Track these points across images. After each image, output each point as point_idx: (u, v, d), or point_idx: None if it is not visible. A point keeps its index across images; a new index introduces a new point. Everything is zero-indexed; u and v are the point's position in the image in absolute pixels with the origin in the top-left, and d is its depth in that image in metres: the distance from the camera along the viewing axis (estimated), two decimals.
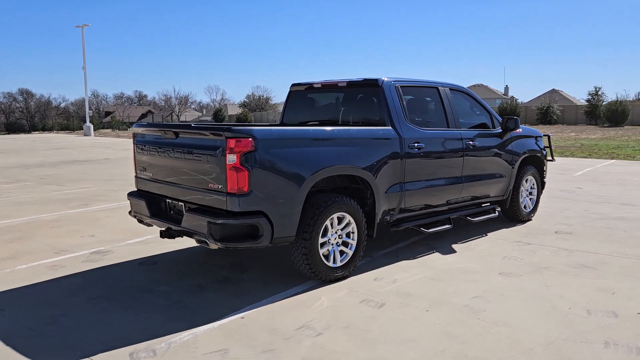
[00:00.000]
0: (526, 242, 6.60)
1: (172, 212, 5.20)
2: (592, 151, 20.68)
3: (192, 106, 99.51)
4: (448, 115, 6.38)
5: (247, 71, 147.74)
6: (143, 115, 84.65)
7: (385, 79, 5.77)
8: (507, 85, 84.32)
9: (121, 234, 7.19)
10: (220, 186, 4.48)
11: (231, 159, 4.36)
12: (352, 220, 5.18)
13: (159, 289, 4.98)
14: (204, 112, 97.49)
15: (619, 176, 13.11)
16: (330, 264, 5.05)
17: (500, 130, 7.06)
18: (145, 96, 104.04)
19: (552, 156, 8.45)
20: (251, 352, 3.69)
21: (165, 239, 5.19)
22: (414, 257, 5.93)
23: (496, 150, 6.95)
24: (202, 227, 4.56)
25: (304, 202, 4.75)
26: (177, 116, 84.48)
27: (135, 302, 4.66)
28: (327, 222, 4.96)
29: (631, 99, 58.80)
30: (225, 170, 4.40)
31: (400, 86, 5.89)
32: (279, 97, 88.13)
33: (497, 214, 7.08)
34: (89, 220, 8.12)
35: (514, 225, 7.51)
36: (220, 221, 4.42)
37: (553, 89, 75.39)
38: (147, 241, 6.78)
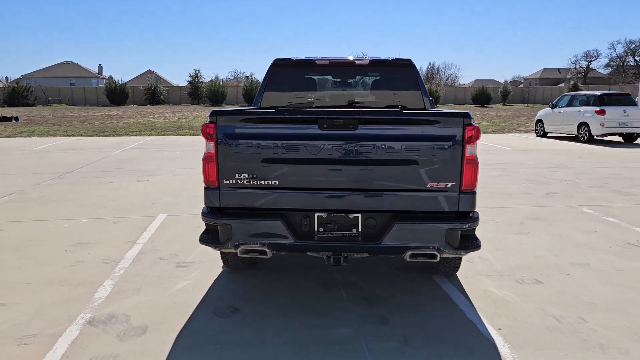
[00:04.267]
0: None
1: (321, 229, 3.80)
2: None
3: None
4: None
5: None
6: None
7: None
8: (100, 64, 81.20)
9: (56, 289, 4.45)
10: (449, 184, 3.68)
11: (470, 150, 3.68)
12: None
13: (354, 342, 3.66)
14: None
15: None
16: None
17: None
18: None
19: None
20: None
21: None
22: None
23: None
24: (435, 237, 3.66)
25: None
26: None
27: None
28: None
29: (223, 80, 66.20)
30: (462, 164, 3.66)
31: None
32: None
33: None
34: None
35: None
36: (467, 225, 3.69)
37: (149, 70, 77.04)
38: (129, 289, 4.49)
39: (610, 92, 18.12)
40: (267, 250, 3.75)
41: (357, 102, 5.54)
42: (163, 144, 17.15)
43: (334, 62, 5.56)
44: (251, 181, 3.73)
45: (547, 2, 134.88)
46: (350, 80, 5.78)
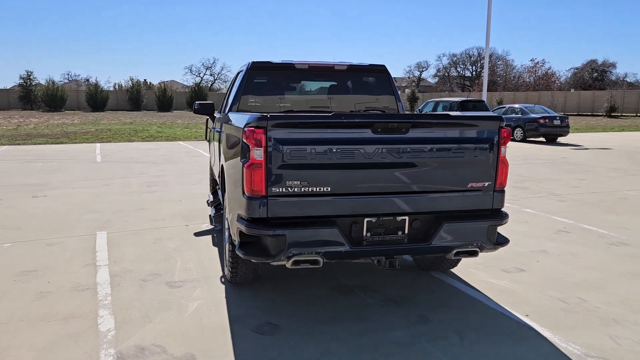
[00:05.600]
0: None
1: (369, 234, 3.75)
2: (111, 135, 21.68)
3: None
4: None
5: None
6: None
7: None
8: None
9: (44, 327, 3.73)
10: (486, 183, 3.90)
11: (503, 151, 3.95)
12: None
13: (415, 342, 3.67)
14: None
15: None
16: None
17: None
18: None
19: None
20: None
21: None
22: None
23: None
24: (478, 234, 3.84)
25: None
26: None
27: None
28: None
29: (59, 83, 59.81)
30: (497, 163, 3.91)
31: None
32: None
33: None
34: None
35: None
36: (504, 222, 3.94)
37: None
38: (136, 317, 3.96)
39: (469, 99, 20.36)
40: (321, 260, 3.61)
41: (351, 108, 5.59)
42: (26, 154, 15.13)
43: (313, 67, 5.51)
44: (302, 188, 3.55)
45: (382, 13, 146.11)
46: (328, 85, 5.77)
